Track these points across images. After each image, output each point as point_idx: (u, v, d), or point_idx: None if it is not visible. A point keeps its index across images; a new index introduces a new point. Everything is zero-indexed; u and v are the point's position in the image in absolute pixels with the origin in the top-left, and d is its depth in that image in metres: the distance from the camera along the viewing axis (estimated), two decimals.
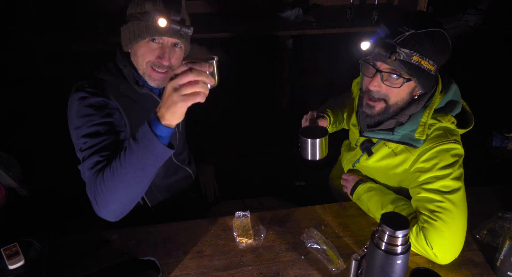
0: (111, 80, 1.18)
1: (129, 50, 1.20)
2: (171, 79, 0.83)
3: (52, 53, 2.52)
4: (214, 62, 0.85)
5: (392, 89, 1.06)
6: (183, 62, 0.85)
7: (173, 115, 0.87)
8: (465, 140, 1.12)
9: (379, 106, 1.10)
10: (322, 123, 1.33)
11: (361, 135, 1.24)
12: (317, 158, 1.22)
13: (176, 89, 0.83)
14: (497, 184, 1.37)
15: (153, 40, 1.13)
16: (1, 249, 0.96)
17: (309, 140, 1.19)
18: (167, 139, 0.92)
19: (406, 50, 1.00)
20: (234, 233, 1.15)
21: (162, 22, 1.06)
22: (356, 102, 1.32)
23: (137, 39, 1.13)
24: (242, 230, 1.14)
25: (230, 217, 1.21)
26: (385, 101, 1.09)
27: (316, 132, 1.24)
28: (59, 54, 2.51)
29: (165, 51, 1.14)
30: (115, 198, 0.99)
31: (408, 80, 1.04)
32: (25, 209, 1.50)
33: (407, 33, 0.99)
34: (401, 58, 1.00)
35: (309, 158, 1.22)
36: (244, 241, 1.13)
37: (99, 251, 1.10)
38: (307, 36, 2.74)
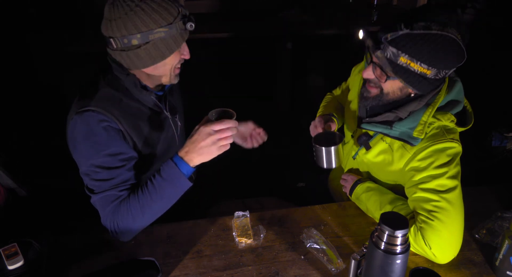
0: (112, 97, 1.11)
1: (146, 69, 1.11)
2: (210, 134, 0.99)
3: (52, 53, 2.52)
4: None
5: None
6: (213, 118, 1.04)
7: (203, 160, 1.04)
8: (464, 140, 1.12)
9: (374, 92, 1.11)
10: (332, 127, 1.30)
11: (358, 126, 1.22)
12: (334, 166, 1.19)
13: (214, 143, 1.00)
14: (496, 184, 1.37)
15: None
16: (1, 250, 0.96)
17: (324, 148, 1.16)
18: (190, 174, 1.07)
19: (394, 50, 0.96)
20: (234, 233, 1.15)
21: (192, 26, 1.06)
22: (358, 90, 1.29)
23: (171, 52, 1.08)
24: (242, 230, 1.15)
25: (229, 217, 1.21)
26: (380, 89, 1.10)
27: (330, 138, 1.20)
28: (58, 54, 2.50)
29: (187, 48, 1.14)
30: (140, 225, 1.10)
31: (393, 77, 1.03)
32: (25, 209, 1.50)
33: (400, 32, 0.95)
34: (387, 56, 0.98)
35: (325, 166, 1.20)
36: (244, 241, 1.13)
37: (99, 251, 1.10)
38: (307, 36, 2.74)
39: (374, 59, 1.05)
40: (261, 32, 2.73)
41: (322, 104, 1.56)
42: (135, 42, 1.03)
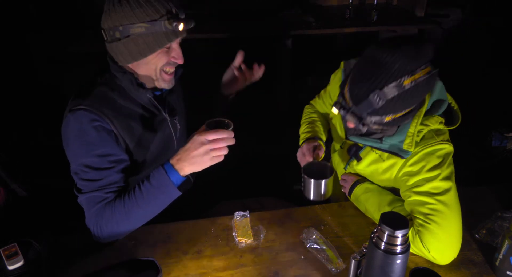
0: (107, 96, 1.11)
1: (131, 64, 1.12)
2: (203, 144, 0.96)
3: (52, 53, 2.52)
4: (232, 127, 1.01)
5: None
6: (207, 127, 0.99)
7: (195, 169, 1.01)
8: (464, 140, 1.12)
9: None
10: (319, 154, 1.27)
11: (347, 138, 1.20)
12: (322, 198, 1.17)
13: (207, 153, 0.97)
14: (496, 184, 1.37)
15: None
16: (1, 250, 0.96)
17: (313, 181, 1.14)
18: (179, 183, 1.05)
19: (377, 117, 0.95)
20: (234, 233, 1.15)
21: (181, 26, 1.03)
22: None
23: (152, 50, 1.06)
24: (242, 230, 1.15)
25: (229, 217, 1.21)
26: None
27: (321, 170, 1.18)
28: (58, 54, 2.51)
29: (178, 51, 1.11)
30: (124, 230, 1.09)
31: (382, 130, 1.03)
32: (25, 209, 1.50)
33: (378, 106, 0.91)
34: (372, 122, 0.97)
35: (312, 198, 1.18)
36: (244, 241, 1.13)
37: (99, 251, 1.11)
38: (306, 36, 2.74)
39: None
40: (261, 32, 2.73)
41: (304, 120, 1.51)
42: (117, 34, 1.04)
